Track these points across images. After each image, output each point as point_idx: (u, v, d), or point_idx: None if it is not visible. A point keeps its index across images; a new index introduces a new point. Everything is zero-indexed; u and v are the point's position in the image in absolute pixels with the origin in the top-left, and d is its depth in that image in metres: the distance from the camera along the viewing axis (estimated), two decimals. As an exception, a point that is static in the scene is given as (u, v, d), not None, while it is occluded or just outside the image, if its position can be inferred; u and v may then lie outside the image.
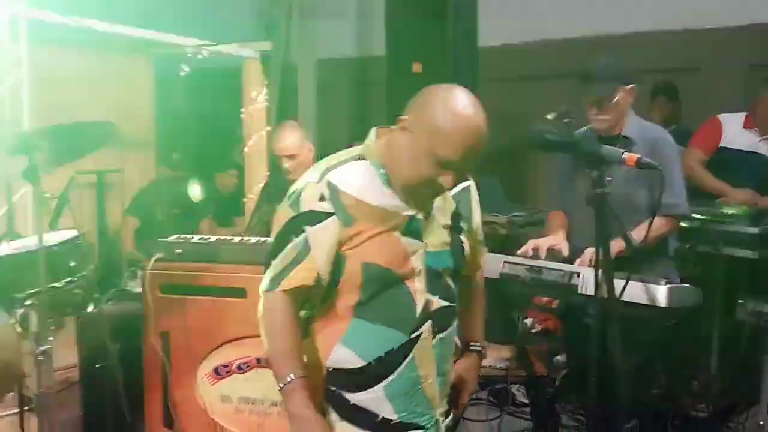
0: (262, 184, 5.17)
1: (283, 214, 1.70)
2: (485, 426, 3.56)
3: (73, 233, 2.57)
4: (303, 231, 1.65)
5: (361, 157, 1.70)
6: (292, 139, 3.29)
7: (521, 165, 5.33)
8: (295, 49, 5.90)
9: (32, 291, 2.36)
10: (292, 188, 1.72)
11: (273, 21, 6.29)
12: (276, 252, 1.69)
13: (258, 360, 2.77)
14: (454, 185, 1.66)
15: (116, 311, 3.22)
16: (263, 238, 3.05)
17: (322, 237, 1.64)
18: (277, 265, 1.68)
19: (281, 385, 1.65)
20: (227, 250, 2.87)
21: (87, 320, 3.05)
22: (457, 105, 1.59)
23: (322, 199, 1.64)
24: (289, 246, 1.66)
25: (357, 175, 1.67)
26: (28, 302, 2.39)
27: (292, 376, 1.65)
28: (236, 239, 3.03)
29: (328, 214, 1.64)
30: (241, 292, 2.76)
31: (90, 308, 2.82)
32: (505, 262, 2.45)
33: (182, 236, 3.02)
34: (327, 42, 5.80)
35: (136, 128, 5.07)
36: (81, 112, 4.54)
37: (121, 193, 5.14)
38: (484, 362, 2.16)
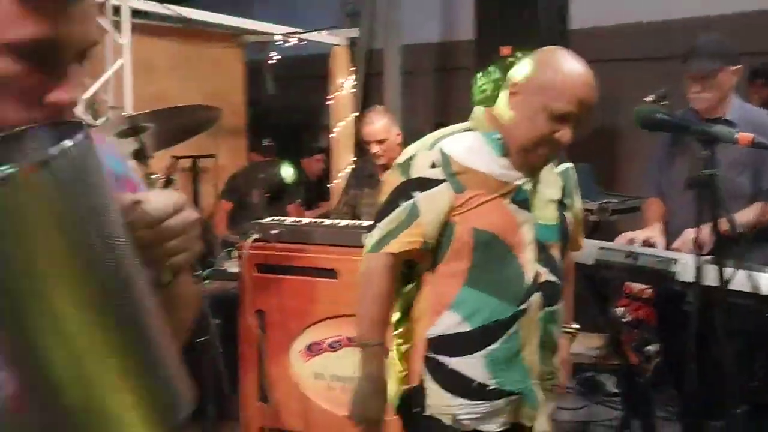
0: (348, 169, 5.25)
1: (392, 180, 1.75)
2: (573, 414, 3.53)
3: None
4: (412, 196, 1.69)
5: (470, 129, 1.74)
6: (381, 124, 3.34)
7: (612, 150, 5.20)
8: (380, 35, 5.94)
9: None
10: (402, 156, 1.76)
11: (356, 8, 6.36)
12: (383, 215, 1.73)
13: (349, 339, 2.84)
14: (571, 140, 1.67)
15: (212, 289, 3.36)
16: (353, 222, 3.11)
17: (432, 203, 1.68)
18: (383, 227, 1.72)
19: (363, 346, 1.72)
20: (319, 233, 2.94)
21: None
22: (565, 59, 1.65)
23: (433, 166, 1.68)
24: (398, 210, 1.70)
25: (468, 144, 1.71)
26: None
27: (376, 341, 1.72)
28: (327, 222, 3.11)
29: (439, 181, 1.67)
30: (332, 273, 2.83)
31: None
32: (600, 248, 2.41)
33: (277, 218, 3.12)
34: (412, 27, 5.80)
35: (227, 115, 5.22)
36: (175, 99, 4.74)
37: (215, 178, 5.34)
38: (575, 350, 2.14)
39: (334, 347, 2.88)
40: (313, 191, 5.66)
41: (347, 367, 2.85)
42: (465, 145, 1.70)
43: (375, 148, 3.33)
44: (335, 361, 2.87)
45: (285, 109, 6.54)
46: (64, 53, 0.80)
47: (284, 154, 5.25)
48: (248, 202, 4.66)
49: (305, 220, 3.16)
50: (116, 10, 3.79)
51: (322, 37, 5.25)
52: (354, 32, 5.44)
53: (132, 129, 2.20)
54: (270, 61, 5.69)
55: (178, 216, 0.82)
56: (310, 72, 6.14)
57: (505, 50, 3.86)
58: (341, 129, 5.36)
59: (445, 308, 1.71)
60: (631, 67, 4.93)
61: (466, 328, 1.70)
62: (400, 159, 1.76)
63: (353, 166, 4.48)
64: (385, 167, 3.38)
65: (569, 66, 1.64)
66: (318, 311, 2.87)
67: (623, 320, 3.78)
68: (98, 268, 0.69)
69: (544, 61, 1.66)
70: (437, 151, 1.69)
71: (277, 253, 2.92)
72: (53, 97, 0.80)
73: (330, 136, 5.53)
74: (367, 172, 3.52)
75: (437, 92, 6.32)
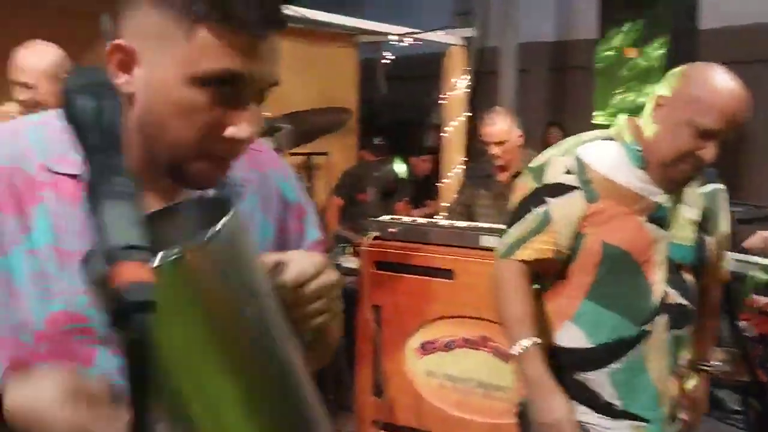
0: (458, 169, 5.26)
1: (524, 184, 1.74)
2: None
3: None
4: (544, 202, 1.67)
5: (609, 138, 1.70)
6: (502, 125, 3.32)
7: (739, 157, 4.95)
8: (495, 33, 5.90)
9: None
10: (536, 161, 1.75)
11: (469, 7, 6.35)
12: (514, 220, 1.72)
13: (465, 340, 2.86)
14: (713, 159, 1.60)
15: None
16: (471, 223, 3.12)
17: (564, 210, 1.65)
18: (514, 233, 1.71)
19: (518, 351, 1.66)
20: (436, 233, 2.97)
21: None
22: (718, 75, 1.59)
23: (568, 172, 1.65)
24: (529, 216, 1.68)
25: (606, 153, 1.67)
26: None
27: (530, 341, 1.65)
28: (445, 222, 3.13)
29: (573, 188, 1.64)
30: (448, 274, 2.86)
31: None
32: (735, 260, 2.31)
33: (395, 217, 3.18)
34: (527, 26, 5.73)
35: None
36: (290, 98, 4.87)
37: (327, 174, 5.47)
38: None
39: (448, 347, 2.91)
40: (419, 190, 5.70)
41: (460, 367, 2.88)
42: (602, 153, 1.67)
43: (494, 150, 3.32)
44: (448, 360, 2.90)
45: (396, 108, 6.62)
46: (247, 89, 0.82)
47: (394, 153, 5.31)
48: (359, 198, 4.75)
49: (421, 220, 3.19)
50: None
51: (437, 36, 5.27)
52: (469, 32, 5.42)
53: (269, 129, 2.31)
54: (383, 61, 5.77)
55: (319, 279, 0.83)
56: (420, 71, 6.19)
57: (630, 52, 3.76)
58: (453, 129, 5.36)
59: (566, 319, 1.69)
60: (763, 69, 4.68)
61: (588, 344, 1.67)
62: (534, 163, 1.75)
63: (466, 166, 4.48)
64: (503, 168, 3.37)
65: (720, 81, 1.57)
66: (433, 310, 2.91)
67: (746, 334, 3.61)
68: (253, 344, 0.72)
69: (694, 75, 1.61)
70: (573, 157, 1.66)
71: (394, 251, 2.97)
72: (232, 131, 0.82)
73: (441, 135, 5.54)
74: (483, 172, 3.51)
75: (551, 91, 6.21)
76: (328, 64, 5.50)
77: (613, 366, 1.66)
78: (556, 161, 1.68)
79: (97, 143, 0.64)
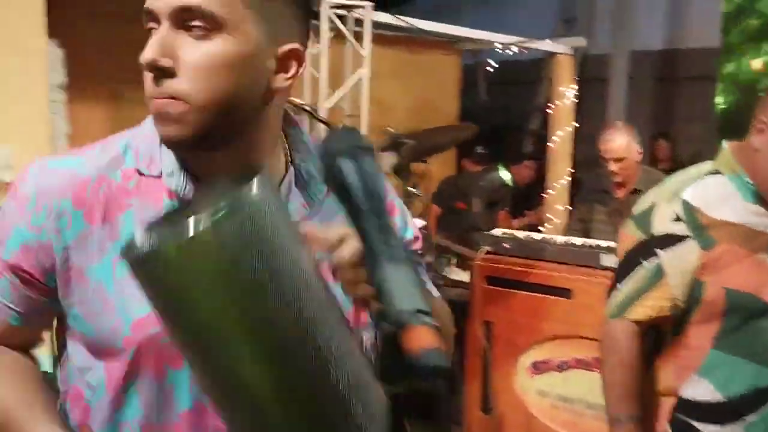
0: (565, 180, 5.16)
1: (629, 234, 1.64)
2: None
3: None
4: (655, 255, 1.56)
5: (715, 172, 1.59)
6: (621, 142, 3.24)
7: None
8: (602, 41, 5.76)
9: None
10: (638, 207, 1.65)
11: (574, 13, 6.22)
12: (623, 275, 1.62)
13: (577, 360, 2.79)
14: None
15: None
16: (588, 240, 3.05)
17: (678, 262, 1.54)
18: (624, 290, 1.61)
19: (613, 421, 1.60)
20: (553, 250, 2.91)
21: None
22: None
23: (676, 220, 1.55)
24: (639, 271, 1.58)
25: (714, 192, 1.56)
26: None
27: (626, 415, 1.59)
28: (561, 239, 3.07)
29: (684, 237, 1.54)
30: (566, 293, 2.79)
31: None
32: None
33: (506, 231, 3.14)
34: (638, 33, 5.57)
35: (441, 122, 5.31)
36: (393, 106, 4.89)
37: (425, 182, 5.47)
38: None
39: (561, 368, 2.85)
40: (519, 199, 5.61)
41: (573, 388, 2.81)
42: (710, 192, 1.55)
43: (612, 166, 3.24)
44: (561, 381, 2.84)
45: (496, 114, 6.56)
46: (150, 13, 0.83)
47: (497, 160, 5.25)
48: (458, 207, 4.72)
49: (537, 236, 3.14)
50: (358, 22, 3.98)
51: (543, 44, 5.19)
52: (577, 41, 5.30)
53: (394, 144, 2.33)
54: (486, 68, 5.73)
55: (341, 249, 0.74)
56: (522, 76, 6.11)
57: (756, 63, 3.59)
58: (559, 139, 5.27)
59: (692, 372, 1.59)
60: None
61: (719, 398, 1.56)
62: (637, 209, 1.65)
63: (579, 180, 4.39)
64: (621, 185, 3.29)
65: None
66: (547, 329, 2.85)
67: None
68: (273, 321, 0.67)
69: None
70: (679, 202, 1.55)
71: (508, 266, 2.93)
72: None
73: (544, 142, 5.45)
74: (600, 187, 3.43)
75: (659, 101, 6.01)
76: (430, 72, 5.50)
77: (749, 419, 1.56)
78: (663, 208, 1.58)
79: (365, 205, 0.66)
